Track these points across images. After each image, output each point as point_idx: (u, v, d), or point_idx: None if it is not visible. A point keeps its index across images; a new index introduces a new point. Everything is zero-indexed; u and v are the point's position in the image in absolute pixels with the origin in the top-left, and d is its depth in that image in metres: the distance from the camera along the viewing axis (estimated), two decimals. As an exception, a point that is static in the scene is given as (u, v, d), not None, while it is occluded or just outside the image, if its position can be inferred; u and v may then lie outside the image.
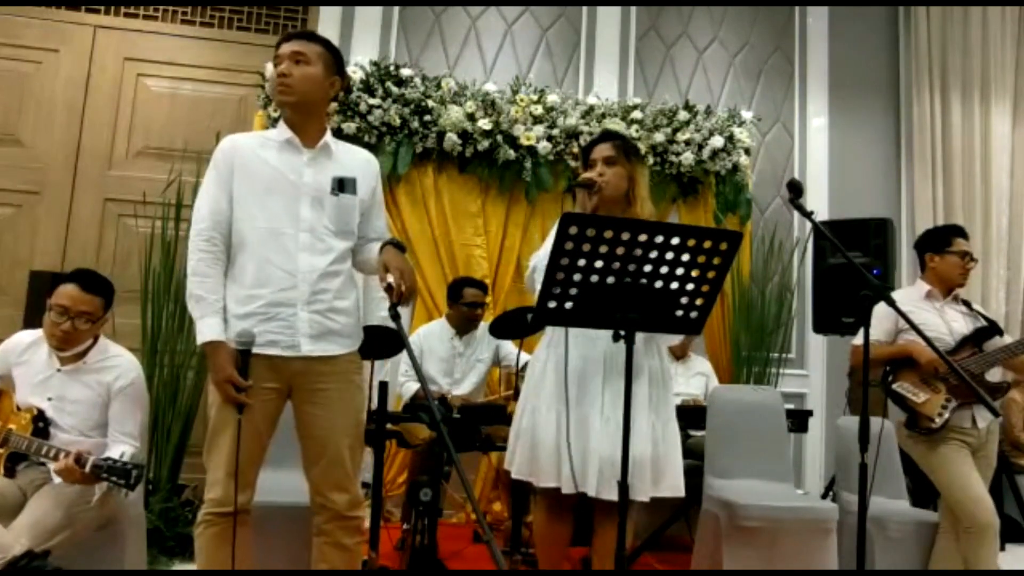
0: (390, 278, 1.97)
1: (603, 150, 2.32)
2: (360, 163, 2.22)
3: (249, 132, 2.27)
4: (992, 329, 2.96)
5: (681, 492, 2.29)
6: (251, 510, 2.08)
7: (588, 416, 2.19)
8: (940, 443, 2.87)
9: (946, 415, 2.84)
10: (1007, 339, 2.96)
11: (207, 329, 2.02)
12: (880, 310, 2.77)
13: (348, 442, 2.11)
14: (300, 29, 4.64)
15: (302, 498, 2.20)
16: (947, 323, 2.95)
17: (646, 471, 2.20)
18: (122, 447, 2.36)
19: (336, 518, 2.09)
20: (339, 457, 2.09)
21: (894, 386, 2.94)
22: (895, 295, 3.06)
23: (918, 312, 2.90)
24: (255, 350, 2.02)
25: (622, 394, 1.98)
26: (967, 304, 3.07)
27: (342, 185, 2.11)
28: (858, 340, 2.94)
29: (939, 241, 3.08)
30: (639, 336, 2.10)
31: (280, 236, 2.05)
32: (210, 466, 2.05)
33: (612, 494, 2.12)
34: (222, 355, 2.00)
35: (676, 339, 3.19)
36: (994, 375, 3.00)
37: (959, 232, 3.09)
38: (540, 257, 2.27)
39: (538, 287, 2.06)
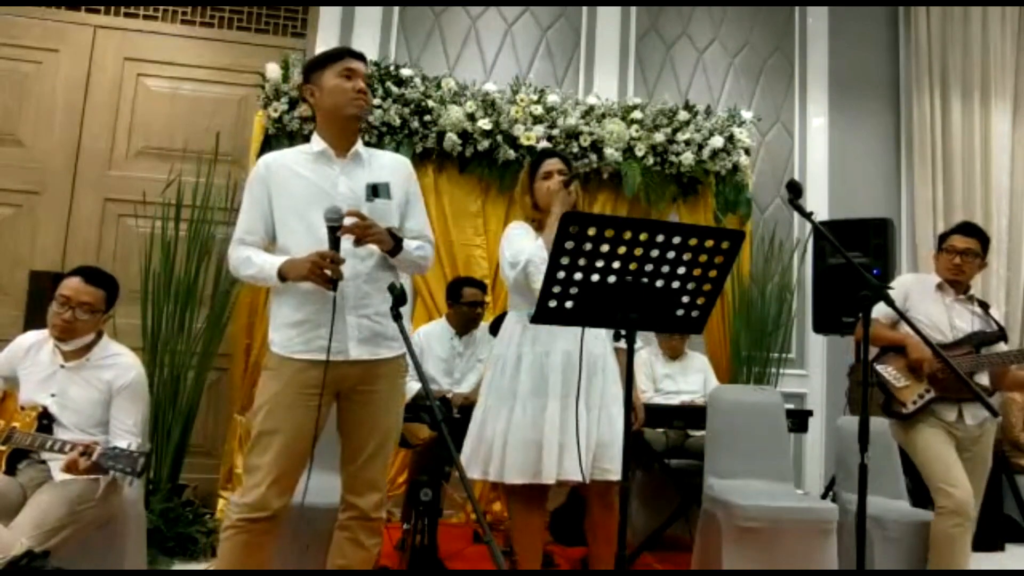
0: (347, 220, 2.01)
1: (556, 163, 2.61)
2: (392, 167, 2.27)
3: (285, 149, 2.32)
4: (995, 335, 2.95)
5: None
6: (281, 518, 2.09)
7: (569, 407, 2.38)
8: (924, 426, 2.88)
9: (920, 403, 2.86)
10: (1009, 347, 2.97)
11: (269, 266, 2.08)
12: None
13: (386, 444, 2.16)
14: (301, 29, 4.65)
15: (321, 499, 2.22)
16: (950, 319, 2.95)
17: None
18: (125, 441, 2.38)
19: (360, 517, 2.13)
20: (375, 458, 2.14)
21: (878, 367, 2.95)
22: (909, 276, 3.17)
23: (926, 302, 2.92)
24: (305, 357, 2.07)
25: (598, 386, 2.42)
26: (984, 307, 3.05)
27: (376, 190, 2.14)
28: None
29: (941, 238, 3.11)
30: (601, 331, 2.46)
31: (323, 246, 2.06)
32: (249, 469, 2.06)
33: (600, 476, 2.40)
34: (297, 258, 2.05)
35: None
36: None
37: (959, 229, 3.07)
38: (525, 251, 2.44)
39: (535, 281, 2.29)
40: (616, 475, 2.40)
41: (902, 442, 3.01)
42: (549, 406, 2.40)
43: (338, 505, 2.19)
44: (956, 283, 3.02)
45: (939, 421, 2.88)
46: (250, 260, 2.13)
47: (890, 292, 2.89)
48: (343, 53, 2.21)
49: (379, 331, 2.14)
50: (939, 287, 3.02)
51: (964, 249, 2.99)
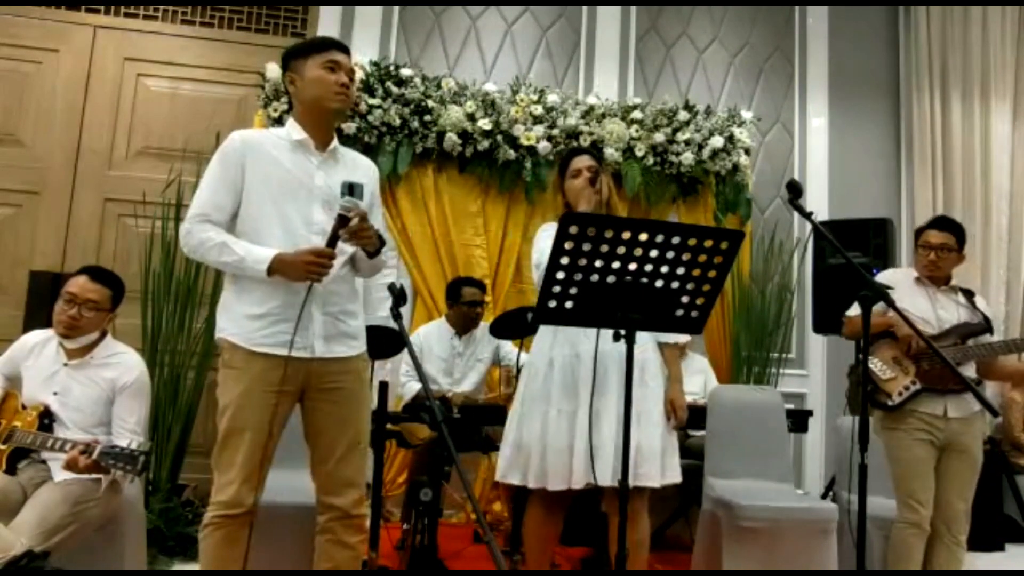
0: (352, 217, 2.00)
1: (584, 161, 2.55)
2: (364, 169, 2.26)
3: (258, 130, 2.26)
4: (981, 327, 2.94)
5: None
6: (256, 511, 2.08)
7: (601, 410, 2.32)
8: (905, 434, 2.87)
9: (905, 395, 2.85)
10: (996, 338, 2.96)
11: (257, 257, 2.00)
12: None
13: (359, 440, 2.14)
14: (301, 29, 4.66)
15: (302, 498, 2.21)
16: (935, 310, 2.95)
17: (656, 459, 2.38)
18: (127, 440, 2.38)
19: (341, 517, 2.11)
20: (350, 455, 2.12)
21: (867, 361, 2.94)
22: (889, 271, 3.16)
23: (910, 295, 2.92)
24: (268, 351, 2.03)
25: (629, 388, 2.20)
26: (969, 296, 3.04)
27: (351, 190, 2.09)
28: (851, 312, 3.06)
29: (917, 234, 3.09)
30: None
31: (294, 238, 2.05)
32: (221, 468, 2.05)
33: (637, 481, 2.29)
34: (288, 253, 2.00)
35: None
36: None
37: (933, 224, 3.05)
38: (546, 252, 2.33)
39: None
40: (652, 480, 2.34)
41: (884, 439, 2.96)
42: (579, 410, 2.34)
43: (313, 507, 2.16)
44: (934, 278, 3.01)
45: (922, 421, 2.85)
46: (228, 247, 2.02)
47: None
48: (328, 44, 2.16)
49: (343, 329, 2.13)
50: (917, 281, 3.02)
51: (939, 244, 2.97)
